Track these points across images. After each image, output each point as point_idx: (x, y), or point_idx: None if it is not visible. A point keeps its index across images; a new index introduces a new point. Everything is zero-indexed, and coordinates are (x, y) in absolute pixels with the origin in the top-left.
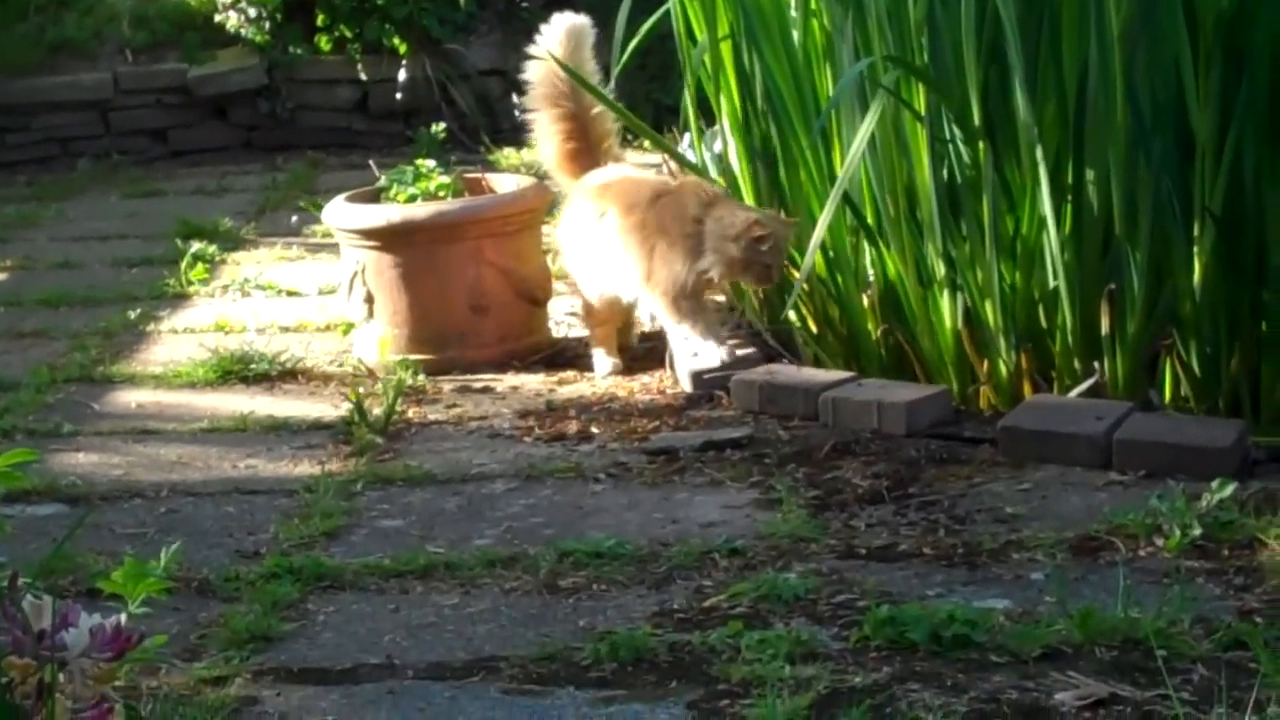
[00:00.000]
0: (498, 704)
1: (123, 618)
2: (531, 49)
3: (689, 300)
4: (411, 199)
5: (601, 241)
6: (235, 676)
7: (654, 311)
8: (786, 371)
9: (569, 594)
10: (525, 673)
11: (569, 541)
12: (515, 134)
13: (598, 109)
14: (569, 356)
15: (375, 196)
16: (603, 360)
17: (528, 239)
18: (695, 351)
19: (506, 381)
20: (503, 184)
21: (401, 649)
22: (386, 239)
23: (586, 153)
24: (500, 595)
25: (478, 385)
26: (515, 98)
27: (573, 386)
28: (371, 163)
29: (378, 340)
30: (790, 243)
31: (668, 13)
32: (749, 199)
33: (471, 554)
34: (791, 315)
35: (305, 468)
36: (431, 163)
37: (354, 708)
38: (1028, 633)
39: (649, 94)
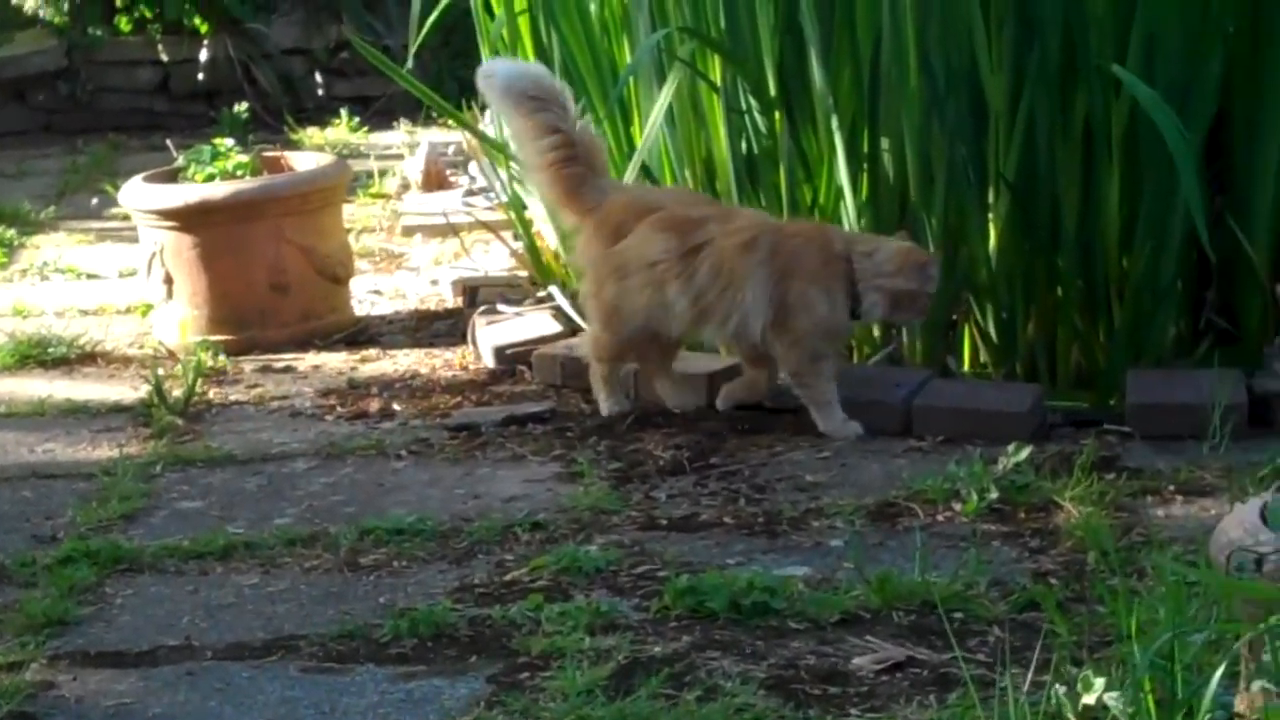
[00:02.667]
0: (297, 683)
1: None
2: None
3: (825, 358)
4: (209, 179)
5: (683, 276)
6: (31, 662)
7: (780, 359)
8: None
9: (370, 571)
10: (325, 651)
11: (370, 519)
12: (319, 113)
13: (582, 123)
14: (371, 335)
15: (173, 177)
16: (607, 401)
17: (328, 217)
18: (818, 422)
19: (308, 360)
20: (303, 162)
21: (200, 630)
22: (184, 219)
23: (588, 177)
24: (300, 574)
25: (279, 365)
26: (318, 77)
27: (375, 365)
28: (169, 143)
29: (178, 321)
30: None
31: None
32: None
33: (272, 533)
34: None
35: (104, 451)
36: (230, 142)
37: (151, 690)
38: (826, 599)
39: (454, 71)
